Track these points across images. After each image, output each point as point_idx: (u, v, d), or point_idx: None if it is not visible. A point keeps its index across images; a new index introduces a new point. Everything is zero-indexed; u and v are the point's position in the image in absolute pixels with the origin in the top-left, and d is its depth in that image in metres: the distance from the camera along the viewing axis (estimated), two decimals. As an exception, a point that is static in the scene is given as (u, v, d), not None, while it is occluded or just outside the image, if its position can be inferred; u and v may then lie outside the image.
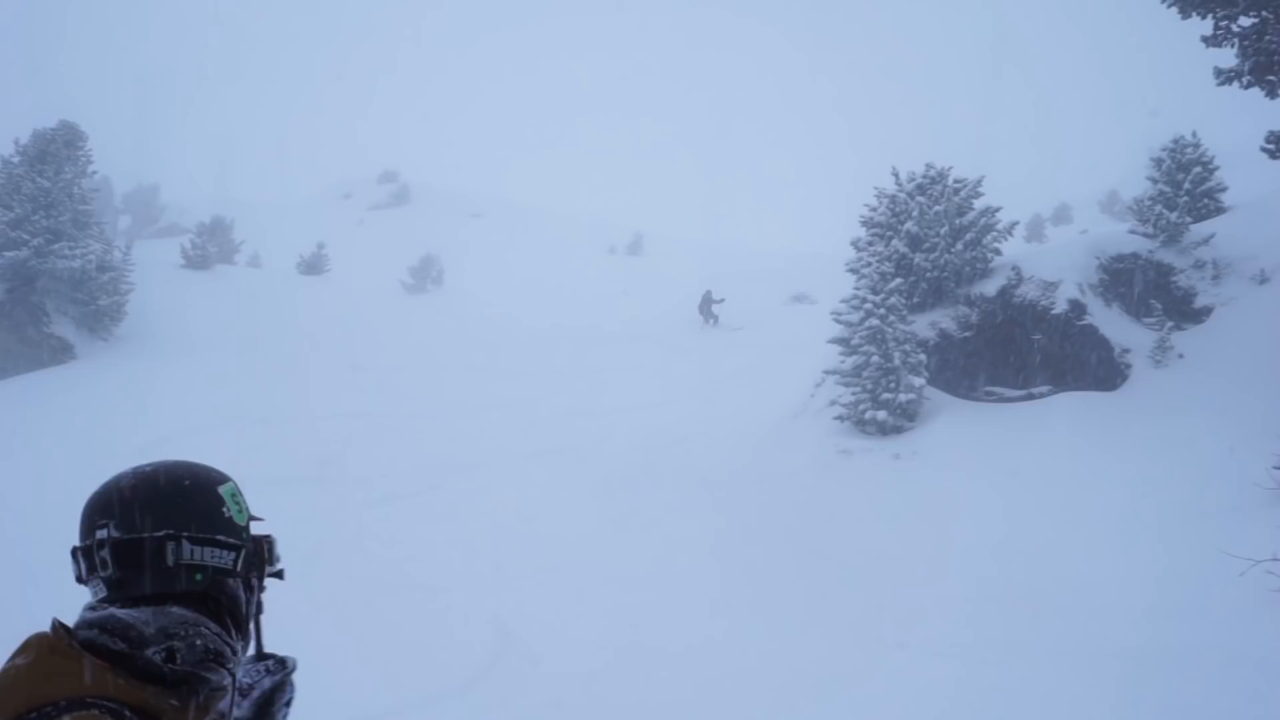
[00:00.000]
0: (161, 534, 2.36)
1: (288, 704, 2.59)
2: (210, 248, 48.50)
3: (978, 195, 28.53)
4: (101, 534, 2.37)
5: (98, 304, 36.47)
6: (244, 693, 2.48)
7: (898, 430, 25.19)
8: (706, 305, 44.54)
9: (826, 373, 27.34)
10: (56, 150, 38.54)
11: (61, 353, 35.21)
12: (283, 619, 3.30)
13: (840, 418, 25.93)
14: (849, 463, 24.10)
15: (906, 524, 20.28)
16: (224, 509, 2.50)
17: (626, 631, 15.28)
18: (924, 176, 29.01)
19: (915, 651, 14.32)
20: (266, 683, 2.55)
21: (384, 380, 34.04)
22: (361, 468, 24.47)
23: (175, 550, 2.37)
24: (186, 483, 2.47)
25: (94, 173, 41.63)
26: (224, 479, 2.57)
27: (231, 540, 2.47)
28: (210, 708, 2.32)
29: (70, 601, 2.48)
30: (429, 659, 14.19)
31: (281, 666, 2.54)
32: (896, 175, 29.43)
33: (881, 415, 25.08)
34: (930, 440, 24.34)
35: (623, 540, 19.89)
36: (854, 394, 25.71)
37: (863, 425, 25.42)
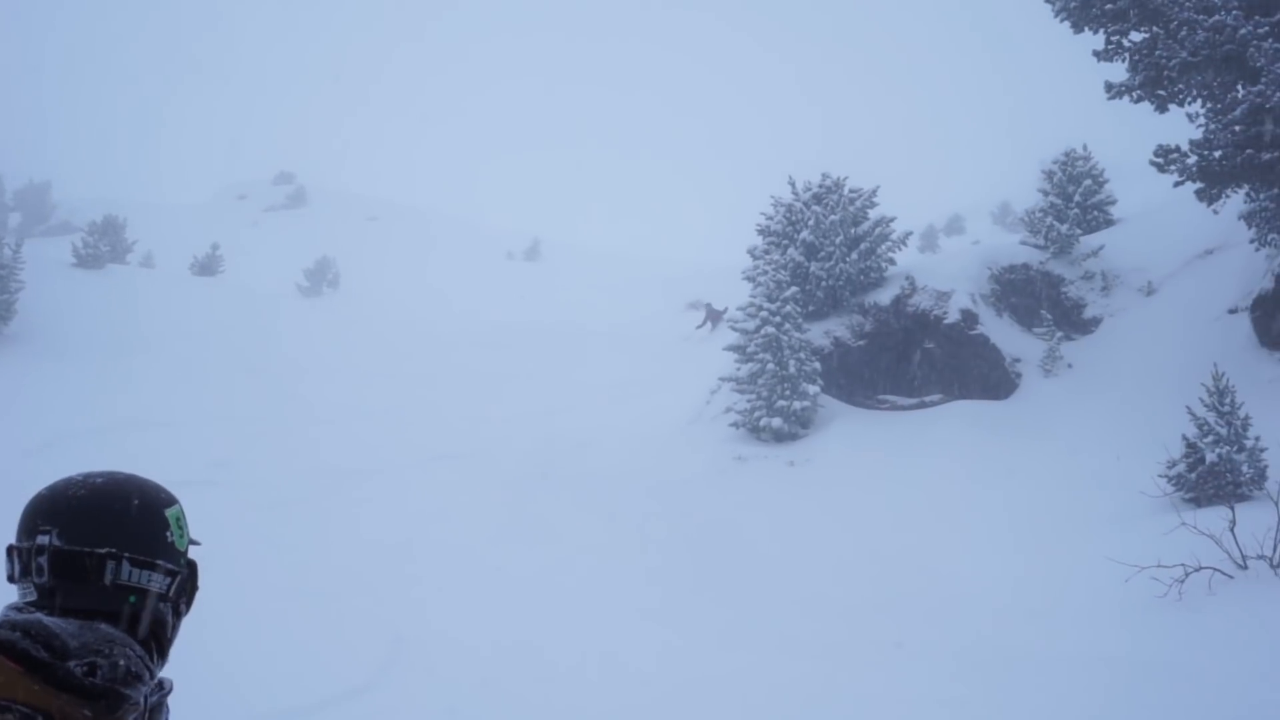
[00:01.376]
0: (104, 551, 2.34)
1: None
2: (102, 247, 47.52)
3: (873, 205, 28.92)
4: (43, 539, 2.34)
5: (-14, 302, 35.66)
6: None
7: (793, 437, 25.41)
8: (715, 315, 44.55)
9: (722, 379, 27.50)
10: (-56, 146, 37.69)
11: (-54, 352, 34.39)
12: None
13: (736, 424, 26.12)
14: (744, 469, 24.27)
15: (796, 529, 20.49)
16: (168, 533, 2.48)
17: (520, 638, 15.25)
18: (820, 186, 29.35)
19: (785, 654, 14.40)
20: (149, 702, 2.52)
21: (279, 384, 33.63)
22: (255, 471, 24.11)
23: (115, 570, 2.35)
24: (136, 501, 2.45)
25: (-17, 170, 40.78)
26: (171, 501, 2.55)
27: (170, 566, 2.46)
28: None
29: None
30: (321, 665, 14.05)
31: (159, 688, 2.51)
32: (793, 184, 29.73)
33: (777, 422, 25.27)
34: (824, 447, 24.60)
35: (518, 546, 19.83)
36: (750, 401, 25.90)
37: (758, 432, 25.61)
